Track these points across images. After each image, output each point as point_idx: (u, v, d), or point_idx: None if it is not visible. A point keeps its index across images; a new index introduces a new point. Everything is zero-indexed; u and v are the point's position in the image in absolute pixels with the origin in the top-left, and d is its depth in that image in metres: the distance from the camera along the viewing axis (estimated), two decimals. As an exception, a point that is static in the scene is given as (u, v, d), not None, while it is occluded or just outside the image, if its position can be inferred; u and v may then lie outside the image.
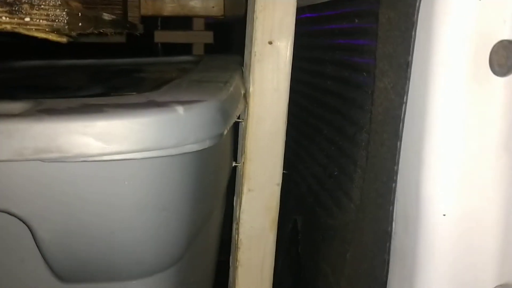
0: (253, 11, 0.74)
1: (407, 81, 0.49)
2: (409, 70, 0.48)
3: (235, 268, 0.81)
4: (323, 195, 0.83)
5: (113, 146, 0.44)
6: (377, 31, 0.62)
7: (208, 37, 1.83)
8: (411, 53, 0.48)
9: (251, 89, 0.75)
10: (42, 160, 0.43)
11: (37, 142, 0.42)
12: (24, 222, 0.46)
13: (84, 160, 0.44)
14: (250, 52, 0.76)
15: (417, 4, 0.47)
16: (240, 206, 0.78)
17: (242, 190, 0.78)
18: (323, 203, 0.83)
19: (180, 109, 0.46)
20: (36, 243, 0.48)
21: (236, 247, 0.80)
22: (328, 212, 0.80)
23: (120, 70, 0.97)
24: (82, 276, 0.51)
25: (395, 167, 0.50)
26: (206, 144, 0.49)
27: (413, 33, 0.48)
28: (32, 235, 0.47)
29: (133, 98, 0.50)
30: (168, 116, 0.46)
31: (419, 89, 0.49)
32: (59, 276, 0.51)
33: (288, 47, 0.75)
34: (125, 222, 0.49)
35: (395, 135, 0.50)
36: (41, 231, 0.46)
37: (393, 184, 0.50)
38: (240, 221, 0.79)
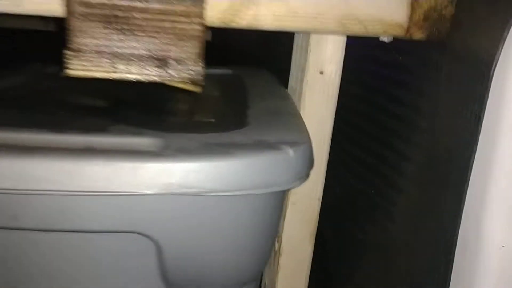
0: (307, 44, 0.81)
1: (478, 134, 0.57)
2: (480, 124, 0.57)
3: (276, 272, 0.89)
4: (357, 211, 0.92)
5: (238, 184, 0.51)
6: (428, 74, 0.70)
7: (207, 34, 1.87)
8: (483, 109, 0.56)
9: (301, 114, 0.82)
10: (183, 194, 0.50)
11: (181, 179, 0.49)
12: (154, 243, 0.53)
13: (216, 194, 0.51)
14: (302, 80, 0.83)
15: (493, 67, 0.55)
16: (284, 217, 0.87)
17: (287, 203, 0.86)
18: (356, 218, 0.91)
19: (290, 151, 0.54)
20: (160, 260, 0.55)
21: (278, 253, 0.88)
22: (363, 228, 0.88)
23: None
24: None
25: (461, 205, 0.59)
26: (303, 181, 0.57)
27: (486, 95, 0.56)
28: (159, 253, 0.54)
29: (240, 136, 0.56)
30: (281, 158, 0.53)
31: (487, 138, 0.57)
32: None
33: (337, 77, 0.83)
34: (233, 246, 0.57)
35: (461, 178, 0.59)
36: (168, 251, 0.54)
37: (458, 220, 0.59)
38: (284, 230, 0.87)
